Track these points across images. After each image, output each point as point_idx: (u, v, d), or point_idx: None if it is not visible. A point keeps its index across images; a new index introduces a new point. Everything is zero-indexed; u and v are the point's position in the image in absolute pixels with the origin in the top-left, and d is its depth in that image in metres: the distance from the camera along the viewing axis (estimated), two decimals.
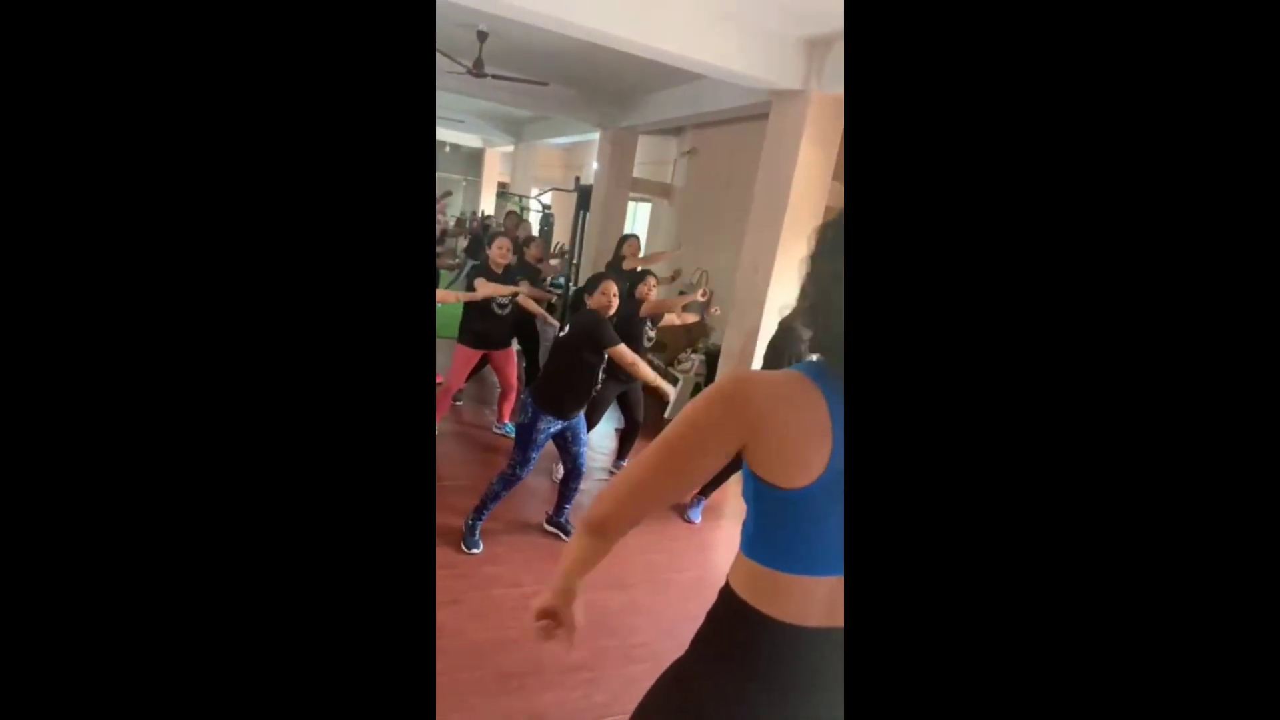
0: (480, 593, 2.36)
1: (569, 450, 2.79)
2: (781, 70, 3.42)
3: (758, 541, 0.86)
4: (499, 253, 3.43)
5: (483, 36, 4.43)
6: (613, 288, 2.76)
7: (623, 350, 2.61)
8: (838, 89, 3.37)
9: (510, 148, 10.95)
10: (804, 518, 0.81)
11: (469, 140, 12.05)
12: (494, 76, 4.66)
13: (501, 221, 5.94)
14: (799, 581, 0.83)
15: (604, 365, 2.70)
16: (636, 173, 6.71)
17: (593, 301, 2.76)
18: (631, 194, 6.79)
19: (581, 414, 2.74)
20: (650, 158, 7.12)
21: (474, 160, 13.13)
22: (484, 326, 3.45)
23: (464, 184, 13.59)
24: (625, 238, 4.55)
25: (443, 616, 2.19)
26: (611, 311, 2.76)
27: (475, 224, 9.33)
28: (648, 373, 2.72)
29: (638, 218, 7.82)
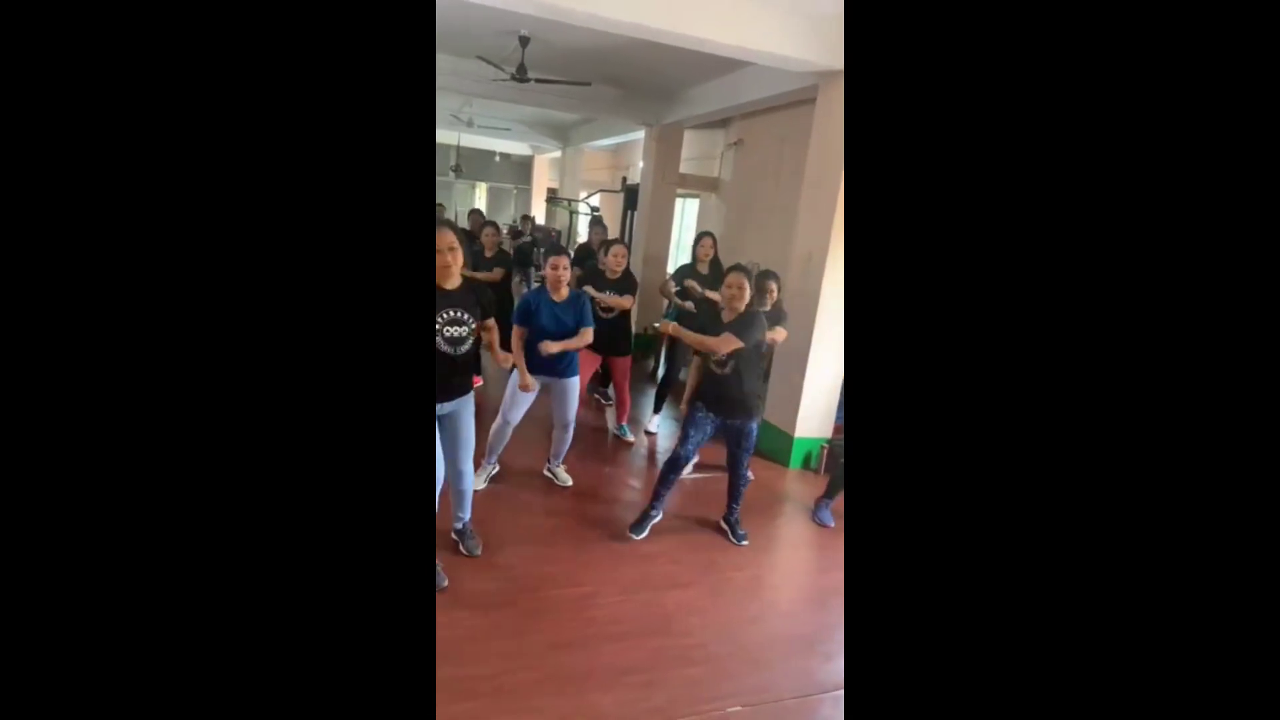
0: (535, 594, 2.36)
1: (731, 452, 2.87)
2: (826, 50, 3.30)
3: None
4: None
5: (524, 41, 4.48)
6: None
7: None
8: None
9: (558, 153, 11.08)
10: None
11: (518, 149, 12.27)
12: (537, 80, 4.70)
13: (589, 232, 5.87)
14: None
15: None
16: (683, 168, 6.65)
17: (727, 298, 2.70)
18: (679, 190, 6.73)
19: (747, 420, 2.76)
20: (697, 152, 7.05)
21: (524, 168, 13.37)
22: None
23: (515, 192, 13.84)
24: (701, 236, 4.27)
25: (499, 618, 2.19)
26: (739, 305, 2.69)
27: (525, 228, 9.48)
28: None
29: (686, 214, 7.75)
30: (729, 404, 2.75)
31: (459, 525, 2.59)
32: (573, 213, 9.10)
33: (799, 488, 3.65)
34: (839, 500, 3.40)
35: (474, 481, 3.04)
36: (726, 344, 2.60)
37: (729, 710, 1.91)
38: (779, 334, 3.21)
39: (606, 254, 3.74)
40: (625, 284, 3.68)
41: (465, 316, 2.26)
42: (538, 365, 3.04)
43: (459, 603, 2.24)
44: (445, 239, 2.20)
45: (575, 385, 3.13)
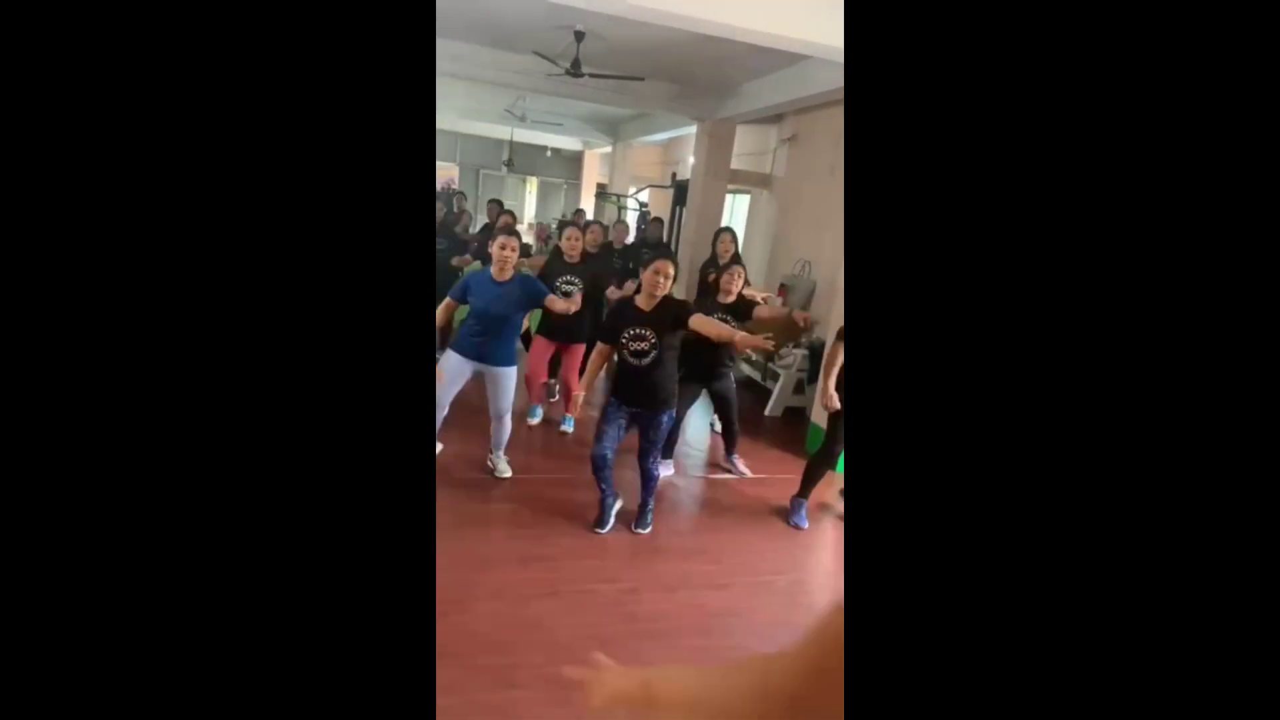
0: (577, 586, 2.38)
1: (640, 443, 2.76)
2: None
3: None
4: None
5: (580, 36, 4.49)
6: (666, 268, 2.56)
7: (701, 319, 2.55)
8: None
9: (608, 148, 11.11)
10: None
11: (569, 143, 12.36)
12: (591, 75, 4.71)
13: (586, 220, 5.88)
14: None
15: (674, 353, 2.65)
16: (735, 164, 6.57)
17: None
18: (730, 186, 6.66)
19: (659, 412, 2.67)
20: (749, 148, 6.95)
21: (574, 163, 13.47)
22: (552, 318, 3.44)
23: (565, 187, 13.96)
24: (720, 231, 4.32)
25: (539, 609, 2.22)
26: (657, 291, 2.57)
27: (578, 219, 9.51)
28: (725, 331, 2.53)
29: (735, 210, 7.66)
30: (644, 396, 2.63)
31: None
32: (621, 208, 9.11)
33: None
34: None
35: None
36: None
37: None
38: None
39: (562, 236, 3.71)
40: (588, 270, 3.57)
41: None
42: (465, 350, 2.92)
43: (501, 593, 2.28)
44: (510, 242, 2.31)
45: (507, 375, 2.97)
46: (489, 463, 3.23)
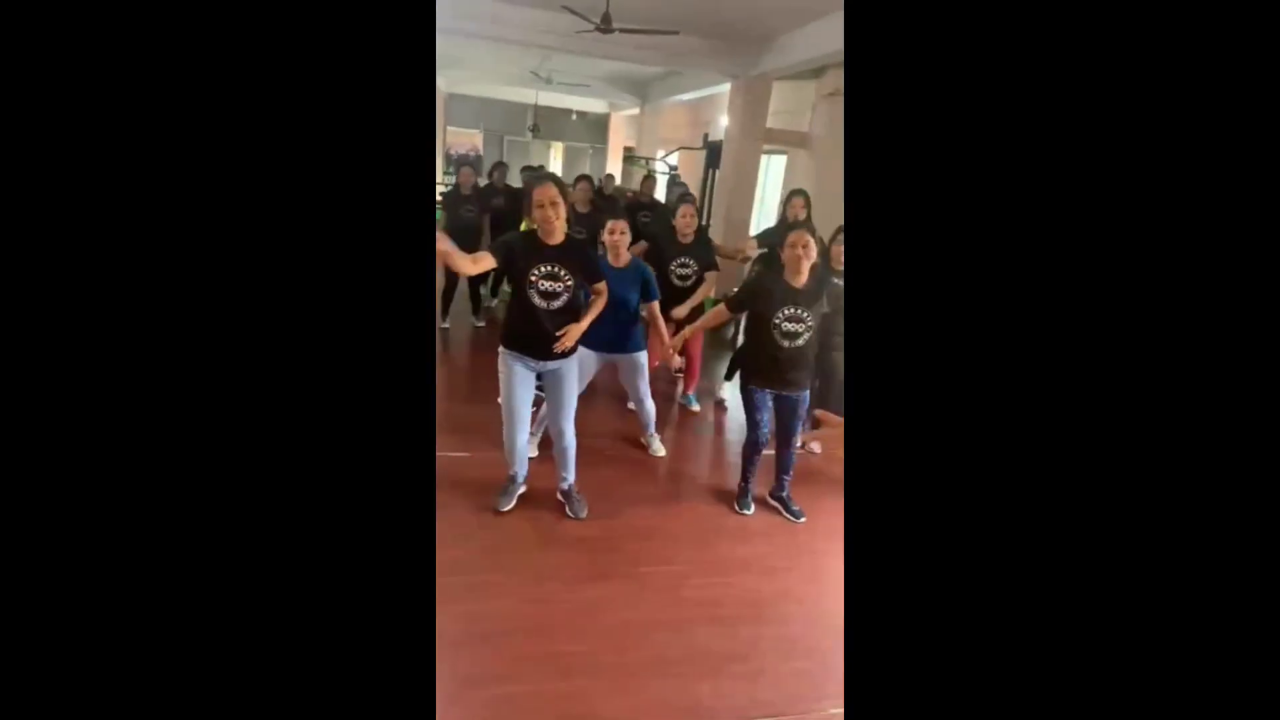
0: (629, 570, 2.31)
1: (781, 420, 2.72)
2: None
3: None
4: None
5: None
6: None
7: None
8: None
9: (636, 110, 10.77)
10: None
11: (595, 106, 12.05)
12: (622, 30, 4.48)
13: (667, 194, 5.58)
14: None
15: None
16: (770, 123, 6.27)
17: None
18: (765, 146, 6.38)
19: (802, 391, 2.64)
20: (786, 105, 6.63)
21: (600, 126, 13.14)
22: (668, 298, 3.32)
23: (590, 151, 13.67)
24: (792, 194, 3.94)
25: (593, 594, 2.16)
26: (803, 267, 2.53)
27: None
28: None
29: (770, 171, 7.37)
30: (791, 379, 2.59)
31: (564, 486, 2.59)
32: (650, 172, 8.87)
33: None
34: None
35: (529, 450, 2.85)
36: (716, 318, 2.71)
37: (830, 711, 1.80)
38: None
39: (676, 214, 3.49)
40: (700, 251, 3.43)
41: (562, 272, 2.22)
42: (593, 343, 2.71)
43: (554, 575, 2.22)
44: (547, 193, 2.15)
45: (642, 359, 2.98)
46: (642, 440, 3.27)
